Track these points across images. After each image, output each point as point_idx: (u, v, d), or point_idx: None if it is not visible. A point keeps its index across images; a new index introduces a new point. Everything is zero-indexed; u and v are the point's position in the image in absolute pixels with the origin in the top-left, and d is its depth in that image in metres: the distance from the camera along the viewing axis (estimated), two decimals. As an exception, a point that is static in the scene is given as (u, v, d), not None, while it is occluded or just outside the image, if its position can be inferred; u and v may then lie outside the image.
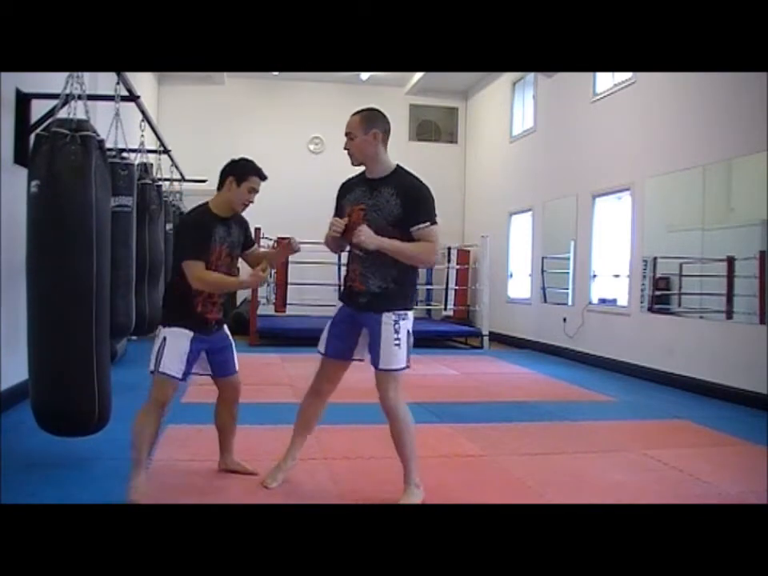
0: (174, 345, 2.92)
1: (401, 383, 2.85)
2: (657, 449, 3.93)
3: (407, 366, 2.82)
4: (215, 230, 2.95)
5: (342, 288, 3.03)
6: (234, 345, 3.17)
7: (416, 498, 2.82)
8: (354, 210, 2.81)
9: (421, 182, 2.80)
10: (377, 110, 2.89)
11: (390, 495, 2.98)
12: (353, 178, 2.94)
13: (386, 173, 2.81)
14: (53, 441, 3.25)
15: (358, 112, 2.87)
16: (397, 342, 2.76)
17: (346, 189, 2.92)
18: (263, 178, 3.03)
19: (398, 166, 2.84)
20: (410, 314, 2.84)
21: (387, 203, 2.74)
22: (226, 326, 3.18)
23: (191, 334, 2.94)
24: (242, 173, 2.98)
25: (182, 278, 2.91)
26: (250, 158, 3.07)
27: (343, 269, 11.68)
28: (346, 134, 2.82)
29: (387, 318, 2.77)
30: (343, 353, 2.95)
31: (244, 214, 3.18)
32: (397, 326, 2.76)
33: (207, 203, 3.03)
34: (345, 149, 2.84)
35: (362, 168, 2.90)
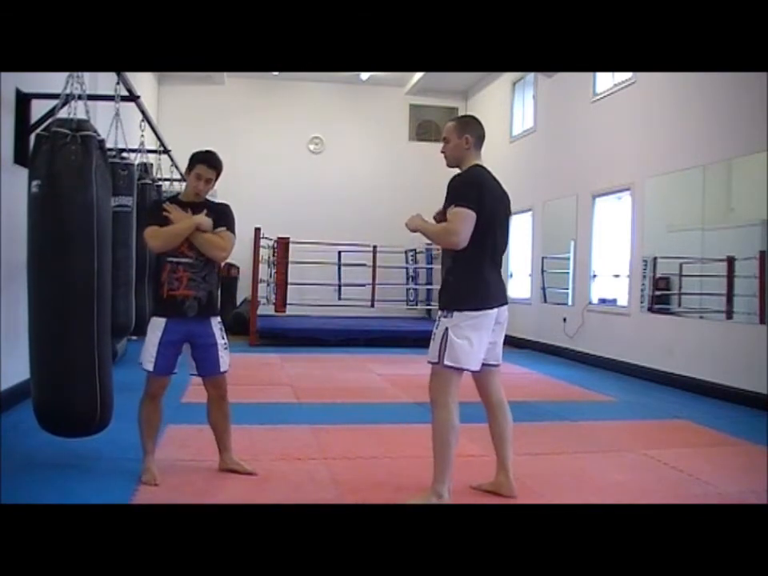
0: (148, 337, 3.04)
1: (448, 382, 2.84)
2: (657, 449, 3.93)
3: (438, 363, 2.82)
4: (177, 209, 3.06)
5: None
6: (221, 345, 3.12)
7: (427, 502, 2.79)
8: None
9: (465, 174, 2.88)
10: (471, 117, 3.06)
11: (389, 495, 2.98)
12: None
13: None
14: (53, 441, 3.24)
15: (454, 119, 3.06)
16: (433, 336, 2.86)
17: None
18: (211, 165, 3.08)
19: (472, 166, 2.92)
20: (459, 314, 2.78)
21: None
22: (216, 323, 3.13)
23: (164, 322, 3.01)
24: (190, 161, 3.10)
25: (155, 265, 3.09)
26: (212, 149, 3.16)
27: (344, 269, 11.57)
28: (443, 139, 2.99)
29: (439, 314, 2.89)
30: None
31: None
32: (438, 321, 2.87)
33: (178, 193, 3.26)
34: (441, 152, 3.00)
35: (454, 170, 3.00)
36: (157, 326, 3.02)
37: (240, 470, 3.21)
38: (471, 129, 2.95)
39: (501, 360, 3.05)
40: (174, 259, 3.02)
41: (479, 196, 2.78)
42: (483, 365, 2.92)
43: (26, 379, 3.21)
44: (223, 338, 3.14)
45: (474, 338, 2.79)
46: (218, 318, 3.16)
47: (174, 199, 3.17)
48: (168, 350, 3.01)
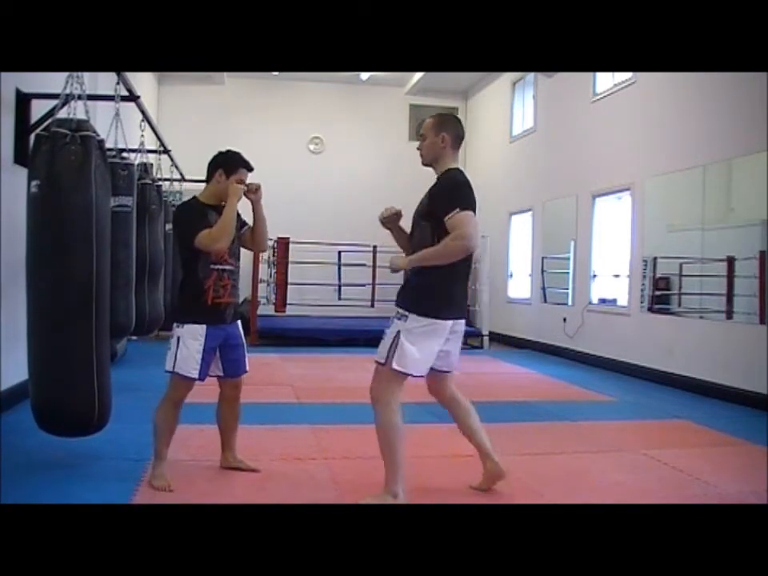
0: (188, 345, 2.97)
1: (391, 383, 2.80)
2: (657, 449, 3.93)
3: (385, 364, 2.77)
4: (209, 213, 3.02)
5: None
6: (245, 345, 3.23)
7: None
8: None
9: (452, 177, 2.81)
10: (451, 115, 3.00)
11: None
12: None
13: (441, 172, 2.86)
14: (53, 441, 3.24)
15: (433, 116, 2.97)
16: (385, 335, 2.82)
17: None
18: (250, 169, 3.11)
19: (451, 168, 2.85)
20: (414, 317, 2.73)
21: (422, 200, 2.84)
22: (240, 324, 3.20)
23: (205, 329, 2.97)
24: (230, 166, 3.06)
25: (191, 273, 3.00)
26: (236, 150, 3.15)
27: (344, 269, 11.54)
28: (420, 135, 2.93)
29: (395, 313, 2.82)
30: None
31: (243, 210, 3.19)
32: (392, 322, 2.81)
33: (195, 196, 3.15)
34: (417, 148, 2.92)
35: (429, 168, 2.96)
36: (198, 333, 2.98)
37: (244, 467, 3.24)
38: (449, 127, 2.86)
39: (454, 367, 3.01)
40: (220, 267, 3.02)
41: (473, 200, 2.76)
42: (437, 371, 2.90)
43: (26, 379, 3.21)
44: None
45: (425, 345, 2.74)
46: None
47: (198, 202, 3.11)
48: (209, 356, 3.03)
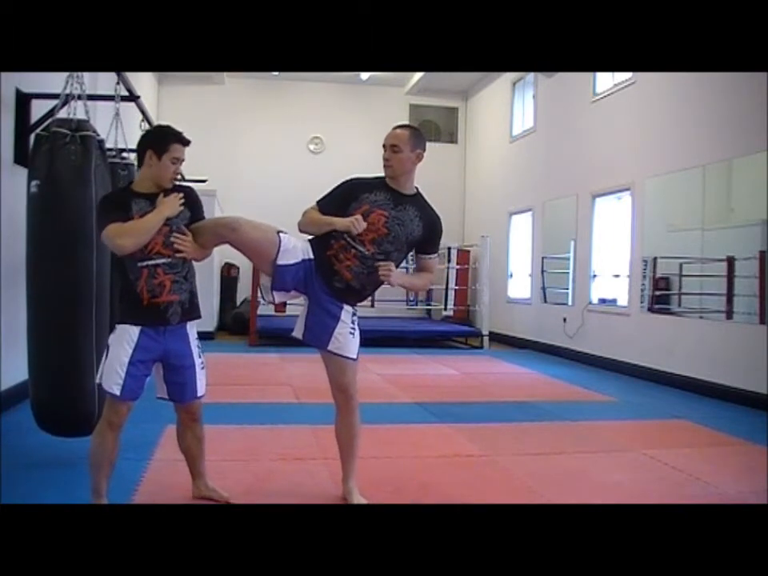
0: (114, 352, 2.51)
1: (355, 374, 3.07)
2: (657, 449, 3.93)
3: (356, 359, 3.06)
4: (132, 201, 2.53)
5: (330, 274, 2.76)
6: (198, 365, 2.68)
7: None
8: (375, 213, 2.71)
9: (437, 215, 2.87)
10: (420, 131, 2.90)
11: (389, 495, 2.98)
12: (370, 179, 2.82)
13: (412, 192, 2.82)
14: (53, 441, 3.25)
15: (405, 126, 2.85)
16: (348, 334, 2.96)
17: (364, 187, 2.77)
18: (185, 143, 2.60)
19: (417, 188, 2.85)
20: (352, 310, 2.94)
21: (411, 222, 2.75)
22: (194, 334, 2.69)
23: (137, 333, 2.52)
24: (160, 143, 2.55)
25: (122, 275, 2.58)
26: (167, 124, 2.69)
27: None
28: (392, 146, 2.74)
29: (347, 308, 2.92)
30: None
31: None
32: (351, 319, 2.98)
33: (130, 184, 2.73)
34: (385, 159, 2.76)
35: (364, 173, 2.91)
36: (127, 339, 2.50)
37: (216, 497, 2.81)
38: (422, 144, 2.79)
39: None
40: (151, 262, 2.51)
41: None
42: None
43: (26, 379, 3.21)
44: (200, 356, 2.69)
45: None
46: (195, 324, 2.70)
47: (124, 190, 2.68)
48: (138, 371, 2.52)
